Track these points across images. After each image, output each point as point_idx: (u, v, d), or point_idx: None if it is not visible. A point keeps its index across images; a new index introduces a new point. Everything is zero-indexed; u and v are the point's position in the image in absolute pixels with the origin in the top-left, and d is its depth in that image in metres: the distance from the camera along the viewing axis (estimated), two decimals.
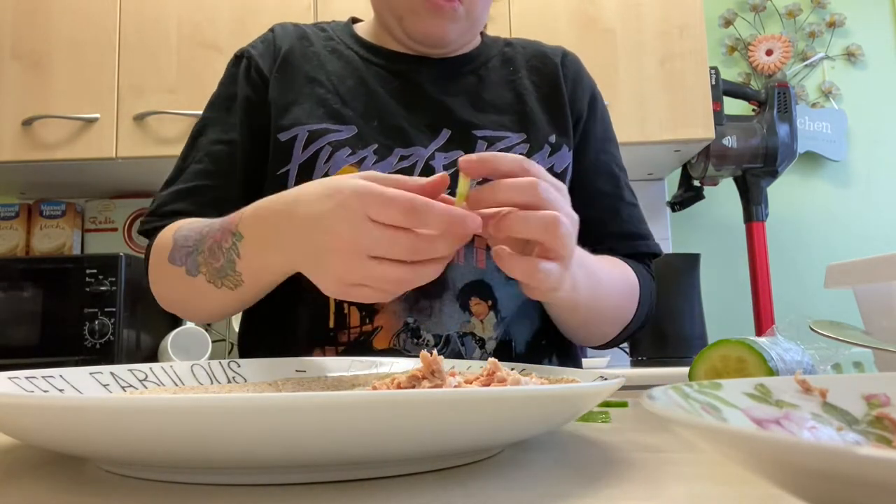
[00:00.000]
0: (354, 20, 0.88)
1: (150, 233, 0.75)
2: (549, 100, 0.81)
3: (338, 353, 0.70)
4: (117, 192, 2.02)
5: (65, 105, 1.72)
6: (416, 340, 0.70)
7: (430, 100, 0.78)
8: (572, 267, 0.56)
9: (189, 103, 1.72)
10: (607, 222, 0.80)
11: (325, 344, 0.71)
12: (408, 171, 0.72)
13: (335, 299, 0.70)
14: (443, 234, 0.47)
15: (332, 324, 0.71)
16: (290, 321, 0.73)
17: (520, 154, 0.67)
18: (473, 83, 0.80)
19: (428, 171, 0.72)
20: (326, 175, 0.71)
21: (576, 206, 0.68)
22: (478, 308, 0.72)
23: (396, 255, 0.48)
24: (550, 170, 0.75)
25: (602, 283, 0.68)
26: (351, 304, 0.70)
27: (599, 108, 0.85)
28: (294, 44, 0.81)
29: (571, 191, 0.73)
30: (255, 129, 0.77)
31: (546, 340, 0.78)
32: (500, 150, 0.74)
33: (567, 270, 0.54)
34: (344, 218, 0.48)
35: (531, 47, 0.86)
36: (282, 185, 0.71)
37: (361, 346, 0.70)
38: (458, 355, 0.71)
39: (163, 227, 0.73)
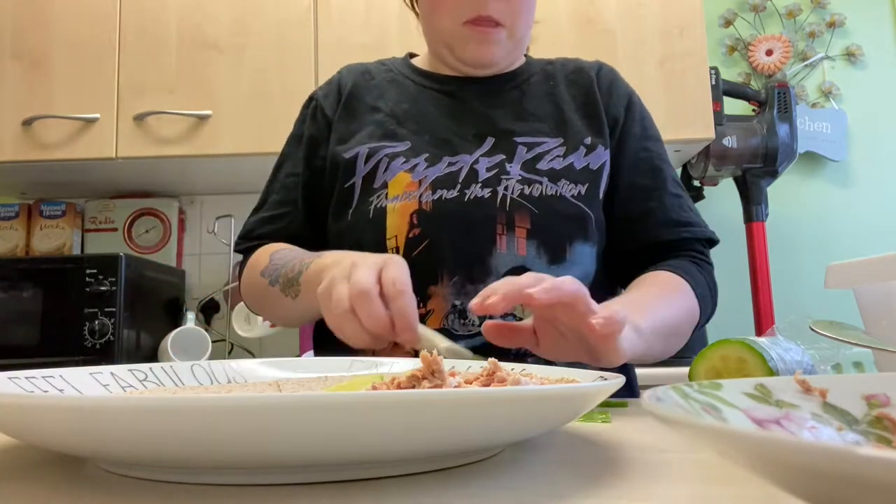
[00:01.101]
0: (411, 55, 0.99)
1: (244, 252, 0.91)
2: (585, 107, 0.88)
3: None
4: (117, 192, 2.02)
5: (65, 105, 1.72)
6: (463, 321, 0.78)
7: (475, 113, 0.87)
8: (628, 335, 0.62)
9: (189, 103, 1.72)
10: (652, 212, 0.85)
11: None
12: (455, 175, 0.82)
13: None
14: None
15: None
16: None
17: (557, 155, 0.82)
18: (516, 96, 0.89)
19: (473, 174, 0.82)
20: (385, 184, 0.82)
21: (621, 202, 0.85)
22: None
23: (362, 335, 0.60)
24: (587, 167, 0.83)
25: (660, 330, 0.72)
26: None
27: (637, 111, 0.93)
28: (357, 80, 0.93)
29: (615, 188, 0.85)
30: (318, 163, 0.89)
31: None
32: (539, 153, 0.83)
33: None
34: (335, 307, 0.61)
35: (570, 64, 0.95)
36: (349, 195, 0.84)
37: None
38: None
39: (254, 247, 0.87)
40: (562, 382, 0.45)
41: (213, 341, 1.71)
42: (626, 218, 0.86)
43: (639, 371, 1.52)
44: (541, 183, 0.81)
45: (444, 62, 0.91)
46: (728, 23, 2.20)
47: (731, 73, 2.18)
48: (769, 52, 2.17)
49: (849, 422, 0.31)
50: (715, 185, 2.00)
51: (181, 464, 0.32)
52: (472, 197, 0.80)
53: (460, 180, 0.81)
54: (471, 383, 0.43)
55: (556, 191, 0.81)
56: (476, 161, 0.83)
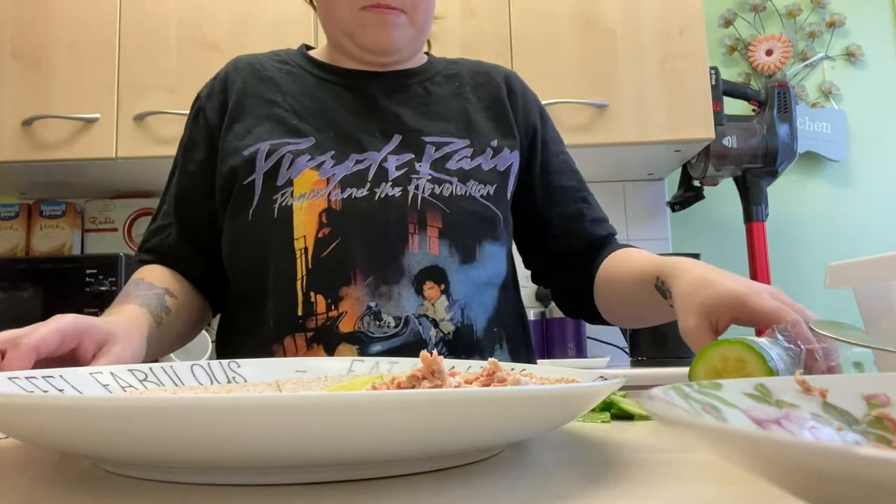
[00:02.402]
0: (308, 47, 0.96)
1: (139, 263, 0.88)
2: (491, 110, 0.89)
3: (307, 340, 0.77)
4: (117, 192, 2.02)
5: (65, 105, 1.72)
6: (378, 322, 0.77)
7: (381, 109, 0.86)
8: None
9: (189, 103, 1.72)
10: (584, 213, 0.90)
11: (295, 331, 0.77)
12: (364, 173, 0.80)
13: (302, 289, 0.78)
14: None
15: (300, 312, 0.77)
16: (261, 315, 0.81)
17: (465, 155, 0.83)
18: (422, 94, 0.89)
19: (382, 172, 0.81)
20: (290, 181, 0.79)
21: (555, 203, 0.90)
22: (430, 292, 0.79)
23: None
24: (494, 169, 0.85)
25: None
26: (317, 292, 0.77)
27: (547, 117, 0.96)
28: (247, 75, 0.88)
29: (546, 190, 0.90)
30: (191, 167, 0.87)
31: (498, 327, 0.85)
32: (447, 153, 0.83)
33: None
34: None
35: (475, 66, 0.95)
36: (250, 193, 0.80)
37: (328, 331, 0.76)
38: (418, 335, 0.78)
39: (144, 262, 0.86)
40: (562, 382, 0.45)
41: (213, 341, 1.71)
42: (562, 216, 0.89)
43: (639, 371, 1.52)
44: (451, 183, 0.82)
45: (345, 52, 0.88)
46: (728, 23, 2.20)
47: (731, 73, 2.18)
48: (769, 52, 2.17)
49: (849, 422, 0.31)
50: (715, 185, 2.00)
51: (181, 464, 0.32)
52: (382, 195, 0.79)
53: (370, 178, 0.80)
54: (471, 383, 0.43)
55: (466, 191, 0.82)
56: (384, 159, 0.82)
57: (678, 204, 2.01)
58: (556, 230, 0.90)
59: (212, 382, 0.55)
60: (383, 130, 0.84)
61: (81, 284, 1.52)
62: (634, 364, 1.74)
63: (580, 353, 1.85)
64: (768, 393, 0.31)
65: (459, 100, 0.89)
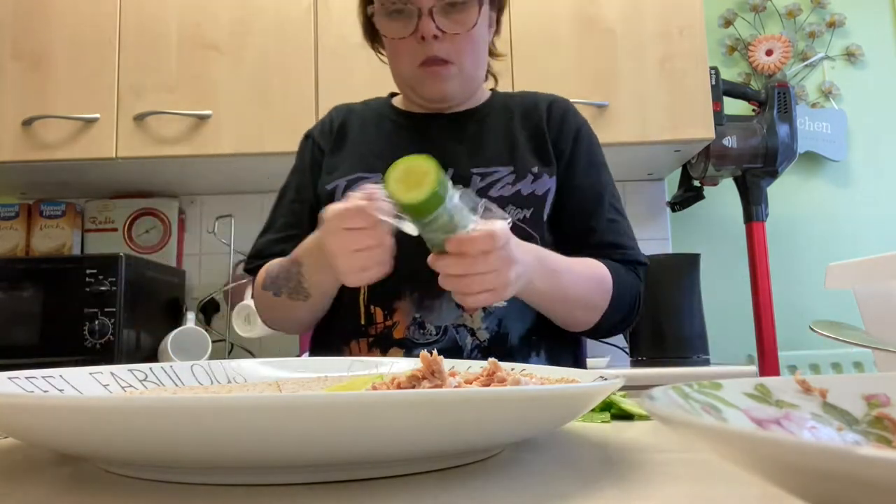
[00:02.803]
0: (393, 94, 1.12)
1: (253, 271, 1.01)
2: (534, 139, 1.00)
3: (368, 344, 0.93)
4: (117, 192, 2.02)
5: (65, 105, 1.72)
6: (422, 331, 0.91)
7: (438, 147, 0.96)
8: (531, 265, 0.79)
9: (189, 103, 1.72)
10: (590, 232, 0.97)
11: (359, 336, 0.94)
12: None
13: (364, 303, 0.93)
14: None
15: (363, 321, 0.93)
16: (334, 322, 0.97)
17: (507, 182, 0.94)
18: (474, 131, 1.01)
19: None
20: None
21: (569, 220, 0.98)
22: None
23: (366, 244, 0.72)
24: (532, 193, 0.95)
25: (562, 275, 0.86)
26: (375, 305, 0.93)
27: (584, 141, 1.03)
28: (345, 118, 1.06)
29: (563, 209, 0.98)
30: (319, 191, 1.01)
31: (537, 336, 0.95)
32: (491, 181, 0.95)
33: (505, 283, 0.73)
34: (329, 232, 0.74)
35: (527, 98, 1.06)
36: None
37: (385, 337, 0.92)
38: (455, 342, 0.91)
39: (262, 266, 0.98)
40: (562, 382, 0.45)
41: (213, 341, 1.71)
42: (572, 234, 0.97)
43: (639, 371, 1.52)
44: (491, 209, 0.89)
45: (412, 100, 1.03)
46: (728, 23, 2.20)
47: (731, 73, 2.18)
48: (769, 52, 2.17)
49: (849, 422, 0.31)
50: (715, 185, 2.00)
51: (181, 464, 0.32)
52: None
53: None
54: (471, 383, 0.43)
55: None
56: None
57: (678, 204, 2.01)
58: (568, 245, 0.95)
59: (212, 382, 0.55)
60: None
61: (81, 284, 1.52)
62: (634, 364, 1.73)
63: (583, 352, 1.85)
64: (768, 393, 0.31)
65: (508, 131, 1.00)
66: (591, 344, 1.96)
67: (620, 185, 2.09)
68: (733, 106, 1.97)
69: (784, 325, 1.89)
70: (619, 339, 1.97)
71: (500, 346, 0.91)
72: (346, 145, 1.02)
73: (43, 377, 0.46)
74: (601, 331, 0.95)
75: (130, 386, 0.51)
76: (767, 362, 1.78)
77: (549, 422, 0.36)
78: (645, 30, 1.78)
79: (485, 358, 0.82)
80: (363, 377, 0.57)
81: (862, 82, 2.18)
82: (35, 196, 2.02)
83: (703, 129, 1.74)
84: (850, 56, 2.18)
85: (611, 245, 0.96)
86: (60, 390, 0.46)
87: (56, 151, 1.72)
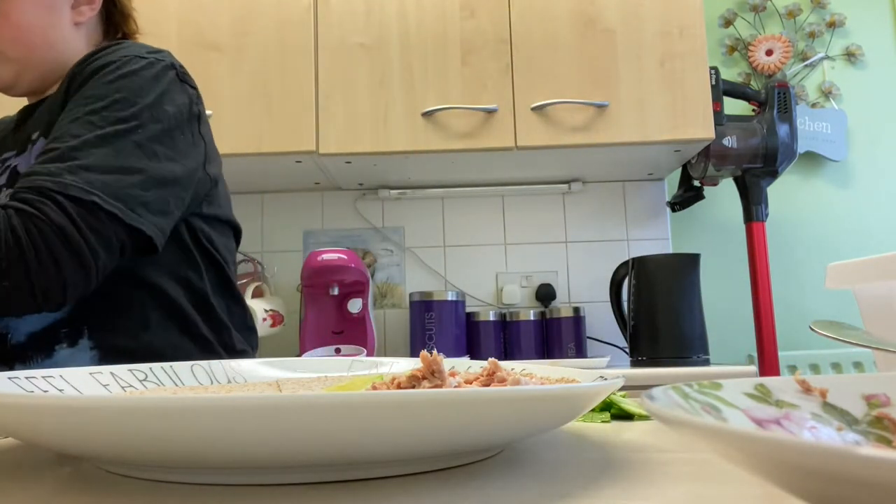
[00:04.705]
0: None
1: None
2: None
3: None
4: None
5: None
6: None
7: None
8: None
9: None
10: None
11: None
12: None
13: None
14: None
15: None
16: None
17: (10, 166, 0.91)
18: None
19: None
20: None
21: None
22: None
23: None
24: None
25: None
26: None
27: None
28: None
29: None
30: None
31: (70, 328, 0.85)
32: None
33: None
34: None
35: None
36: None
37: None
38: None
39: None
40: (562, 382, 0.45)
41: None
42: None
43: (639, 371, 1.52)
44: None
45: None
46: (728, 23, 2.20)
47: (731, 73, 2.18)
48: (769, 52, 2.17)
49: (849, 422, 0.31)
50: (715, 185, 2.00)
51: (181, 464, 0.32)
52: None
53: None
54: (471, 383, 0.43)
55: None
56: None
57: (678, 204, 2.01)
58: None
59: (212, 382, 0.55)
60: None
61: None
62: (634, 364, 1.74)
63: (580, 353, 1.85)
64: (768, 393, 0.31)
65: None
66: (590, 344, 1.97)
67: (620, 185, 2.11)
68: (733, 106, 1.97)
69: (784, 325, 1.89)
70: (620, 339, 1.97)
71: (2, 347, 0.84)
72: None
73: (43, 377, 0.46)
74: None
75: (130, 386, 0.51)
76: (767, 362, 1.78)
77: (549, 422, 0.36)
78: (645, 30, 1.78)
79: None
80: (363, 377, 0.57)
81: (862, 82, 2.18)
82: None
83: (703, 129, 1.74)
84: (850, 56, 2.18)
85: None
86: (60, 390, 0.46)
87: None
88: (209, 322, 0.94)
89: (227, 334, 0.96)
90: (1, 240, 0.71)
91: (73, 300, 0.77)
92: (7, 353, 0.84)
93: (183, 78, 0.91)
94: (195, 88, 0.93)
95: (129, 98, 0.83)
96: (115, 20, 1.02)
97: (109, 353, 0.85)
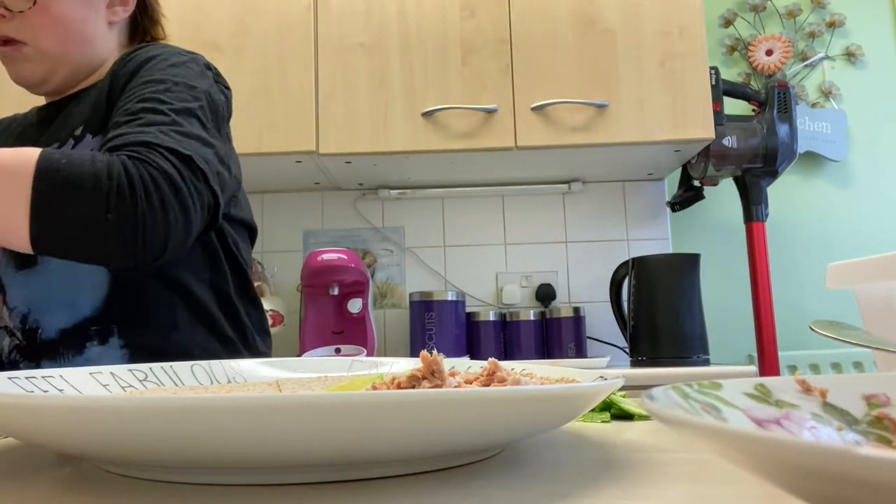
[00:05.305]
0: None
1: None
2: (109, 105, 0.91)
3: None
4: None
5: None
6: None
7: (51, 135, 0.93)
8: None
9: None
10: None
11: None
12: None
13: None
14: None
15: None
16: None
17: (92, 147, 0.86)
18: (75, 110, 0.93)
19: None
20: None
21: None
22: None
23: None
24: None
25: None
26: None
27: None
28: None
29: None
30: None
31: (99, 326, 0.86)
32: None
33: None
34: None
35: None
36: None
37: None
38: None
39: None
40: (562, 382, 0.45)
41: None
42: None
43: (639, 371, 1.52)
44: None
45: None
46: (728, 23, 2.20)
47: (731, 73, 2.18)
48: (769, 52, 2.17)
49: (849, 422, 0.31)
50: (715, 185, 2.00)
51: (181, 464, 0.32)
52: None
53: None
54: (471, 383, 0.43)
55: None
56: None
57: (678, 204, 2.01)
58: None
59: (212, 382, 0.55)
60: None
61: None
62: (634, 364, 1.74)
63: (580, 353, 1.85)
64: (768, 393, 0.31)
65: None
66: (590, 344, 1.97)
67: (620, 185, 2.11)
68: (733, 106, 1.97)
69: (784, 325, 1.89)
70: (620, 339, 1.97)
71: (32, 342, 0.85)
72: None
73: (43, 377, 0.46)
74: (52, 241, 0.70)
75: (130, 386, 0.51)
76: (767, 362, 1.78)
77: (549, 422, 0.36)
78: (645, 30, 1.78)
79: (25, 358, 0.85)
80: (363, 377, 0.57)
81: (862, 82, 2.18)
82: None
83: (703, 129, 1.74)
84: (850, 56, 2.18)
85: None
86: (60, 390, 0.46)
87: None
88: (233, 323, 0.95)
89: (251, 336, 0.98)
90: (114, 177, 0.69)
91: (171, 254, 0.74)
92: (37, 348, 0.85)
93: (217, 79, 0.93)
94: (229, 89, 0.96)
95: (187, 83, 0.85)
96: (143, 25, 1.03)
97: (139, 352, 0.86)
